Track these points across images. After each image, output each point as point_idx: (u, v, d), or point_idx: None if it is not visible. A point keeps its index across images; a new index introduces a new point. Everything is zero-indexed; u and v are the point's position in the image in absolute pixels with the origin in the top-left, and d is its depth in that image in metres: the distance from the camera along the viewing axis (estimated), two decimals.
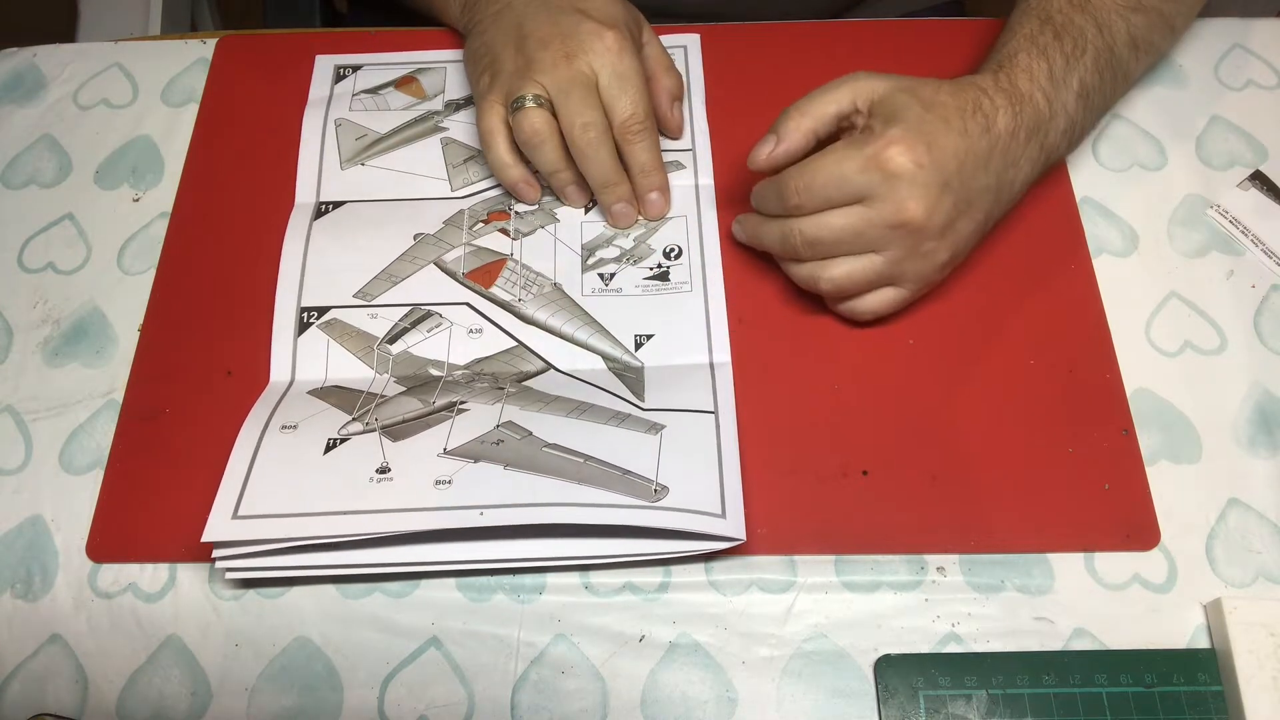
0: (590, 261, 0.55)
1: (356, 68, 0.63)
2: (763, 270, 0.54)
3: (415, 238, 0.56)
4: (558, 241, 0.56)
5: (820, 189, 0.46)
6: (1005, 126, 0.47)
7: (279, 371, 0.52)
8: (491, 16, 0.55)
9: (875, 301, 0.50)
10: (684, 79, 0.61)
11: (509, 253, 0.55)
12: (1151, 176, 0.58)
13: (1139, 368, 0.51)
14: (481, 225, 0.56)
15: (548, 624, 0.46)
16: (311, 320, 0.53)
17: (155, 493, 0.49)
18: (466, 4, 0.59)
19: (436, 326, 0.53)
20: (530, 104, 0.51)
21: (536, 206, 0.57)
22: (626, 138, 0.52)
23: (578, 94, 0.51)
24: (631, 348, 0.52)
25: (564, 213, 0.57)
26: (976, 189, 0.47)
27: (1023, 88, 0.49)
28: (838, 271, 0.48)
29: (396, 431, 0.48)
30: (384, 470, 0.47)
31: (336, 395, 0.51)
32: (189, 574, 0.48)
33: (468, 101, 0.61)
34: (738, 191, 0.57)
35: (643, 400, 0.50)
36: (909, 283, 0.49)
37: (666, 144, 0.58)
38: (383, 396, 0.50)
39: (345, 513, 0.45)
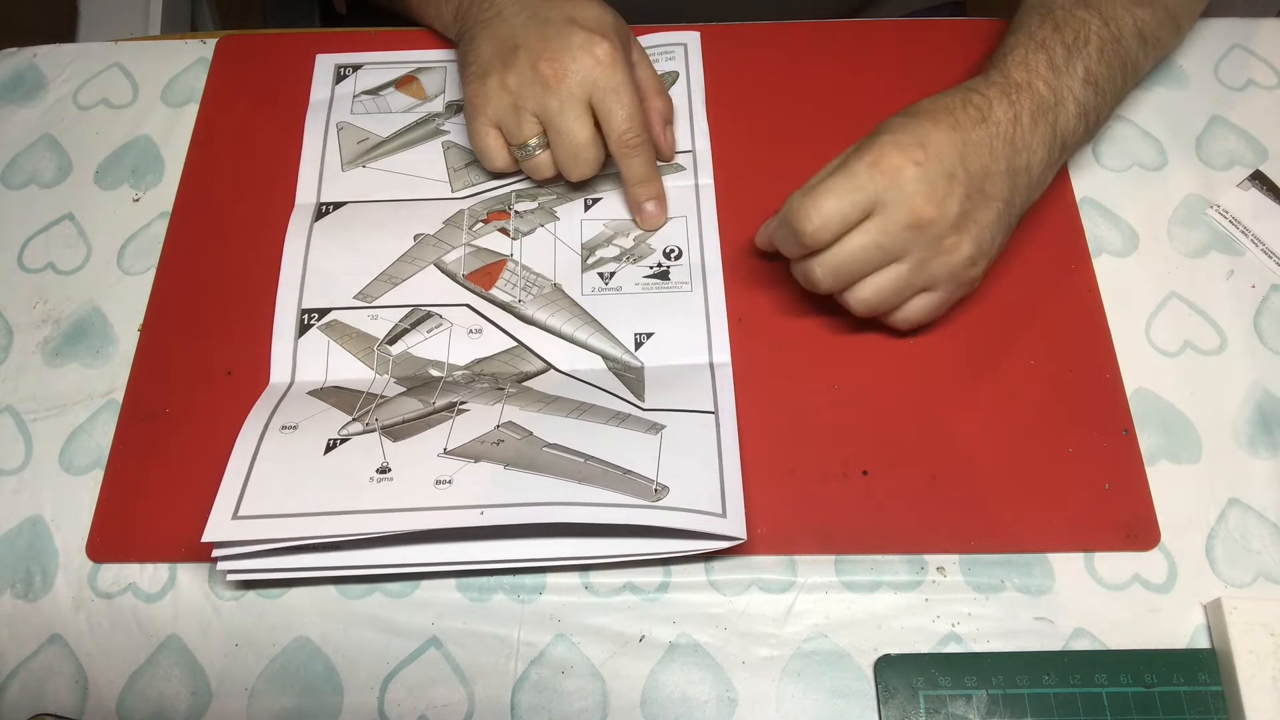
0: (590, 261, 0.55)
1: (357, 67, 0.63)
2: (763, 270, 0.54)
3: (415, 238, 0.56)
4: (557, 241, 0.56)
5: (832, 214, 0.45)
6: (1003, 114, 0.47)
7: (279, 372, 0.52)
8: (482, 24, 0.54)
9: (913, 311, 0.49)
10: (684, 78, 0.61)
11: (509, 253, 0.55)
12: (1151, 176, 0.58)
13: (1139, 368, 0.51)
14: (481, 225, 0.56)
15: (548, 624, 0.46)
16: (312, 322, 0.53)
17: (155, 493, 0.49)
18: (459, 12, 0.58)
19: (436, 327, 0.53)
20: (536, 150, 0.53)
21: (536, 205, 0.57)
22: (623, 151, 0.52)
23: (567, 123, 0.51)
24: (631, 346, 0.52)
25: (564, 211, 0.57)
26: (985, 175, 0.47)
27: (1018, 78, 0.49)
28: (866, 292, 0.48)
29: (397, 431, 0.48)
30: (384, 470, 0.47)
31: (336, 395, 0.51)
32: (189, 574, 0.48)
33: None
34: (738, 192, 0.57)
35: (643, 400, 0.50)
36: (941, 285, 0.48)
37: None
38: (383, 397, 0.50)
39: (345, 512, 0.45)
